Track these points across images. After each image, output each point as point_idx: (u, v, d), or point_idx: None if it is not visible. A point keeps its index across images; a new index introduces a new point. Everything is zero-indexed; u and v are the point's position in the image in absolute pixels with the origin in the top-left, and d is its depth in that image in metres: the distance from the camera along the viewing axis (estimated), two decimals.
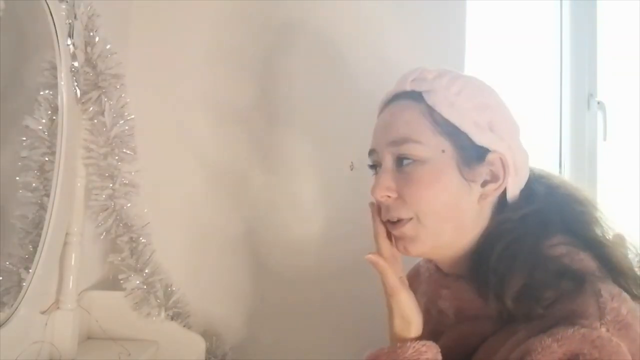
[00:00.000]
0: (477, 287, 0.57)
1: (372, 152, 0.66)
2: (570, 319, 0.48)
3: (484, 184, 0.59)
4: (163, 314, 0.94)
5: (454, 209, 0.58)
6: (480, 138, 0.58)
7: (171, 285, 1.00)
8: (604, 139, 1.14)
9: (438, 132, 0.58)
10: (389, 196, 0.60)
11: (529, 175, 0.63)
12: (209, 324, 1.03)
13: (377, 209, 0.64)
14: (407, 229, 0.59)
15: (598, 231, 0.59)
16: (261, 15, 1.04)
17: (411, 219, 0.59)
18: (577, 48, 1.15)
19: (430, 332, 0.62)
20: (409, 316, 0.58)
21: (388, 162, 0.61)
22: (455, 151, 0.58)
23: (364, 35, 1.03)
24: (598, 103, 1.14)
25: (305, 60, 1.04)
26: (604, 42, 1.16)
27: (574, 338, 0.46)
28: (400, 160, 0.60)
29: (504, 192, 0.60)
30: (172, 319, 0.96)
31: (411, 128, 0.59)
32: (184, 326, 0.97)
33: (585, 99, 1.14)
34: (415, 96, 0.61)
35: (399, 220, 0.60)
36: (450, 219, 0.59)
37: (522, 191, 0.61)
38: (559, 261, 0.54)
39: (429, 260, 0.69)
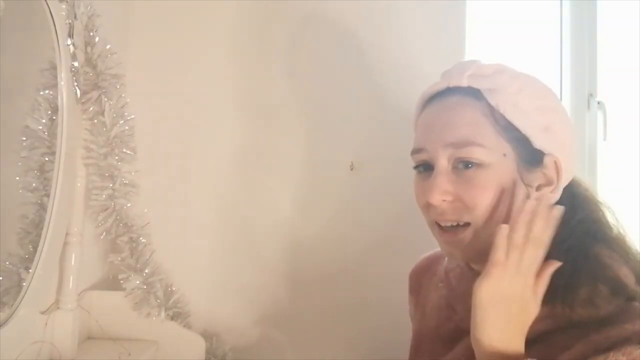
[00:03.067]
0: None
1: (419, 150, 0.60)
2: (636, 339, 0.47)
3: (539, 188, 0.57)
4: (163, 314, 0.94)
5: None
6: (539, 141, 0.56)
7: (171, 285, 1.00)
8: (604, 139, 1.13)
9: (500, 135, 0.56)
10: (443, 200, 0.57)
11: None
12: (209, 324, 1.03)
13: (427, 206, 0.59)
14: (465, 236, 0.56)
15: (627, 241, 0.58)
16: (261, 16, 1.05)
17: (469, 224, 0.56)
18: (577, 48, 1.15)
19: (453, 330, 0.60)
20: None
21: (443, 163, 0.57)
22: (516, 154, 0.56)
23: (363, 35, 1.03)
24: (598, 103, 1.13)
25: (304, 60, 1.04)
26: (604, 42, 1.15)
27: None
28: (457, 163, 0.56)
29: None
30: (172, 319, 0.96)
31: (473, 130, 0.56)
32: (184, 326, 0.97)
33: (585, 99, 1.14)
34: (474, 93, 0.57)
35: (455, 226, 0.57)
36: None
37: (564, 194, 0.59)
38: (615, 273, 0.53)
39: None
